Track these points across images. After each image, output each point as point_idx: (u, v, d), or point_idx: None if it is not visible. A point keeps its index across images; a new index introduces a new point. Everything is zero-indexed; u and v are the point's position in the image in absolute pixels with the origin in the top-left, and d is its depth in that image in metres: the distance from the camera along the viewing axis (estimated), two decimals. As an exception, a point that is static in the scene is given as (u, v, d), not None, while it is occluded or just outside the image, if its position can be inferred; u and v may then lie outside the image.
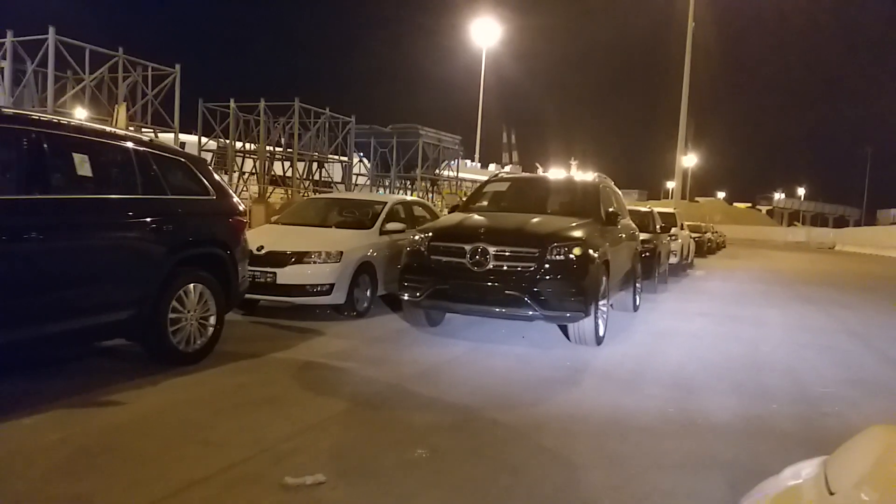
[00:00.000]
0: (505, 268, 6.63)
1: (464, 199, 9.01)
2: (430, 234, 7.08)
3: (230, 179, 47.45)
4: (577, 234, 6.99)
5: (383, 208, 9.11)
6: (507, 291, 6.56)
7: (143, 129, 38.58)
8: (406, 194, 54.45)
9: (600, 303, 7.14)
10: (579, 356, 6.59)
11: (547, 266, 6.57)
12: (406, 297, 7.08)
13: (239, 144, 49.28)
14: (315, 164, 53.08)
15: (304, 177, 51.80)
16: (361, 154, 58.55)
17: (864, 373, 6.63)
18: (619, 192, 10.19)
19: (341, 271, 7.83)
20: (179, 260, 5.37)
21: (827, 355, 7.38)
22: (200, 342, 5.58)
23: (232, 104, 48.24)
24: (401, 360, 6.04)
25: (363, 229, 8.72)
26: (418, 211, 10.08)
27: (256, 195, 46.14)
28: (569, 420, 4.51)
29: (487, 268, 6.63)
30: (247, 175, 48.60)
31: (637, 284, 10.16)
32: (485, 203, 8.69)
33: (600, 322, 7.11)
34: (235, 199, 6.21)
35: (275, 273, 7.65)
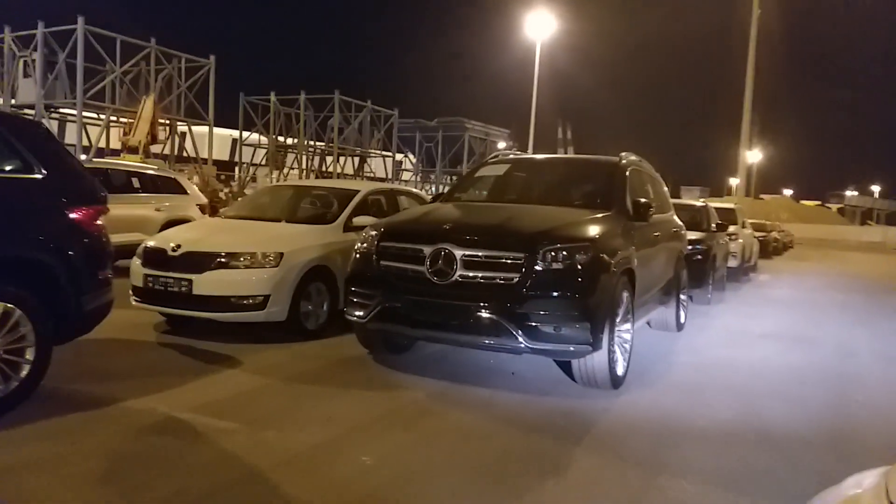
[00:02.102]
0: (478, 279, 4.65)
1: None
2: (381, 231, 5.16)
3: (277, 175, 46.69)
4: (585, 231, 4.95)
5: (353, 198, 7.21)
6: (479, 313, 4.58)
7: (178, 123, 37.92)
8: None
9: (620, 328, 5.09)
10: (582, 409, 4.56)
11: (537, 277, 4.57)
12: (352, 317, 5.19)
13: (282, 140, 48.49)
14: (357, 159, 51.88)
15: (353, 172, 50.61)
16: (407, 149, 57.24)
17: None
18: (660, 180, 8.04)
19: (280, 278, 5.97)
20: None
21: (952, 410, 5.13)
22: (4, 388, 3.79)
23: (272, 98, 47.46)
24: (310, 416, 4.12)
25: (322, 224, 6.85)
26: (406, 203, 8.14)
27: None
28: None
29: (453, 279, 4.67)
30: (287, 170, 47.87)
31: (682, 296, 8.00)
32: (474, 192, 6.69)
33: (619, 356, 5.06)
34: (87, 180, 4.42)
35: (190, 280, 5.84)
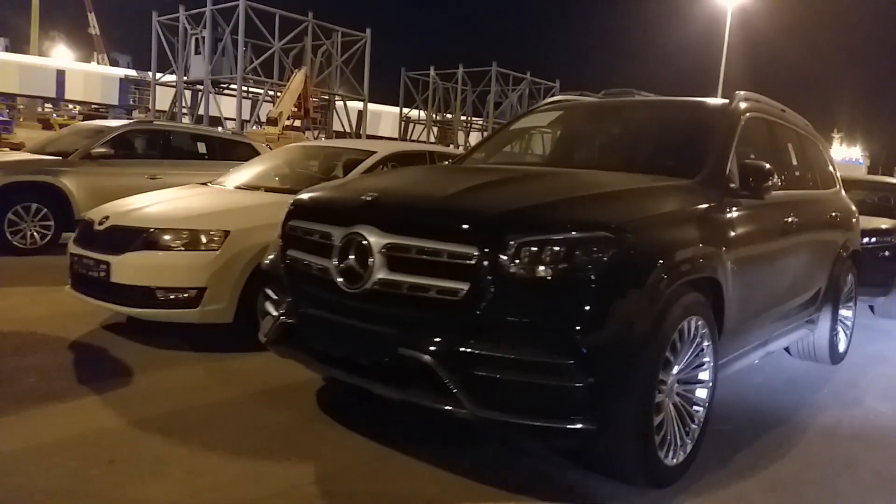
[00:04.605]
0: (405, 290, 2.70)
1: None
2: (292, 207, 3.34)
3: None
4: (606, 211, 2.81)
5: (363, 161, 5.45)
6: (399, 350, 2.66)
7: (336, 98, 38.16)
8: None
9: (685, 384, 2.94)
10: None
11: (501, 292, 2.55)
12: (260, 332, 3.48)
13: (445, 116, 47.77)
14: (517, 135, 49.88)
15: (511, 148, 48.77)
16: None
17: None
18: (817, 140, 5.47)
19: (222, 266, 4.37)
20: None
21: None
22: None
23: (432, 72, 46.79)
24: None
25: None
26: (454, 170, 6.20)
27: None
28: None
29: (369, 286, 2.76)
30: (451, 146, 47.22)
31: (845, 311, 5.42)
32: (502, 151, 4.64)
33: (674, 432, 2.90)
34: None
35: (108, 264, 4.43)
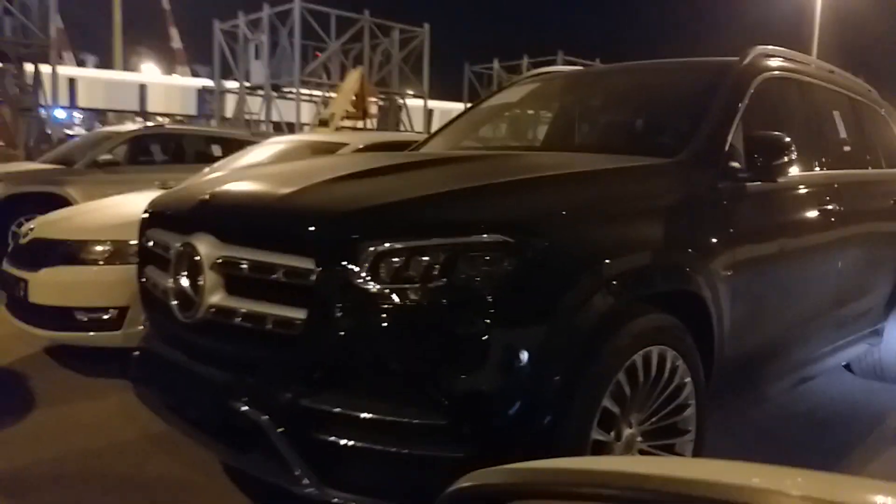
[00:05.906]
0: (239, 319, 2.00)
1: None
2: (146, 213, 2.68)
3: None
4: (508, 206, 2.00)
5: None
6: (227, 402, 1.96)
7: (398, 97, 37.84)
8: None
9: (640, 444, 2.12)
10: None
11: (351, 321, 1.81)
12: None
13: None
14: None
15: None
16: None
17: None
18: (877, 104, 4.41)
19: (146, 282, 3.80)
20: None
21: None
22: None
23: (496, 65, 45.81)
24: None
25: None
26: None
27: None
28: None
29: (202, 312, 2.07)
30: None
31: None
32: (464, 134, 3.85)
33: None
34: None
35: (26, 282, 3.94)
